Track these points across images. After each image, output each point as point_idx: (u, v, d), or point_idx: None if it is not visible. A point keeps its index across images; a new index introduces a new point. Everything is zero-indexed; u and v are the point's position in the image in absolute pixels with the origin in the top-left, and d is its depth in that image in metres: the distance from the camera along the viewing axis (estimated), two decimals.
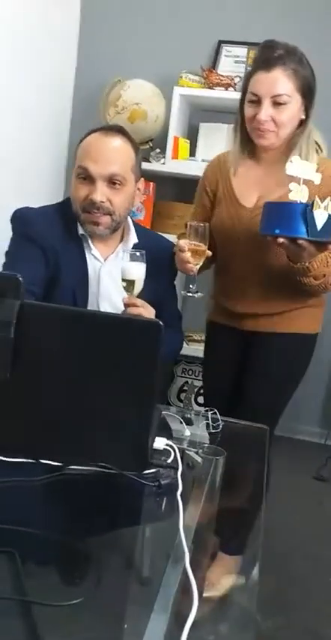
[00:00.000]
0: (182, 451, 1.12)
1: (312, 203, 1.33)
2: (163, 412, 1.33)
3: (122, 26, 2.90)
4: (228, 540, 1.01)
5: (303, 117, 1.53)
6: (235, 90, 2.61)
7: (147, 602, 0.73)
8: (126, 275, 1.36)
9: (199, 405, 2.86)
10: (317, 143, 1.58)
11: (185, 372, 2.93)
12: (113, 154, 1.42)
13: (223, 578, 0.86)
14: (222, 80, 2.65)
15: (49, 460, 0.96)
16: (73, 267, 1.45)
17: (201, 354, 2.00)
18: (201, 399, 2.85)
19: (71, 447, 0.96)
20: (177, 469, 1.03)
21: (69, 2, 2.83)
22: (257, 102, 1.48)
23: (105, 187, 1.41)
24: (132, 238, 1.53)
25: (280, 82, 1.45)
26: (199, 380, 2.85)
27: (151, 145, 2.74)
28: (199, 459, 1.15)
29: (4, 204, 1.53)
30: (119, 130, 1.47)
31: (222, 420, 1.31)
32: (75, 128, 2.91)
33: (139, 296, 1.38)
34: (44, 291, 1.40)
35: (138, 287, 1.37)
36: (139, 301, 1.37)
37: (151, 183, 2.73)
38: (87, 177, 1.42)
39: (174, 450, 1.09)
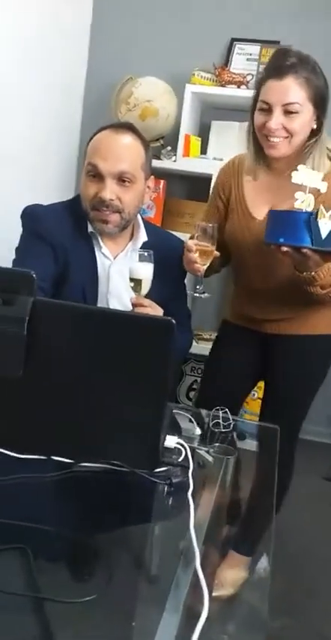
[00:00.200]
0: (192, 450, 1.12)
1: (317, 212, 1.32)
2: (174, 410, 1.33)
3: (134, 23, 2.89)
4: (239, 539, 1.01)
5: (315, 126, 1.50)
6: (247, 88, 2.60)
7: (158, 601, 0.73)
8: (133, 275, 1.37)
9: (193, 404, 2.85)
10: (329, 149, 1.55)
11: (194, 370, 2.92)
12: (123, 152, 1.41)
13: (233, 577, 0.86)
14: (234, 78, 2.63)
15: (60, 457, 0.96)
16: (83, 265, 1.45)
17: None
18: None
19: (82, 444, 0.96)
20: (188, 468, 1.02)
21: (80, 0, 2.83)
22: (268, 110, 1.46)
23: (115, 185, 1.41)
24: (142, 236, 1.53)
25: (292, 90, 1.43)
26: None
27: (162, 142, 2.74)
28: (210, 458, 1.15)
29: (16, 201, 1.53)
30: (129, 128, 1.47)
31: (232, 419, 1.31)
32: (86, 125, 2.91)
33: (147, 296, 1.38)
34: (53, 288, 1.40)
35: (146, 287, 1.37)
36: (147, 301, 1.36)
37: (162, 181, 2.73)
38: (96, 175, 1.41)
39: (185, 449, 1.09)
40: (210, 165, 2.51)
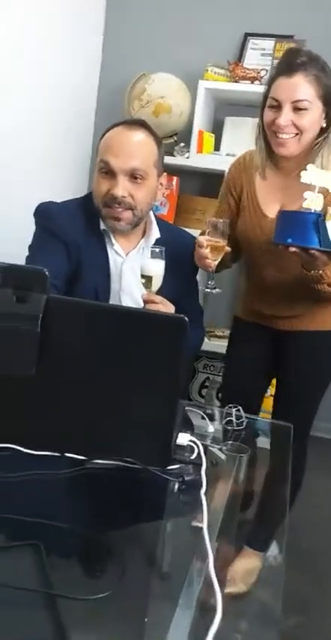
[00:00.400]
0: (205, 447, 1.12)
1: (325, 213, 1.33)
2: (187, 407, 1.33)
3: (147, 20, 2.88)
4: (252, 535, 1.01)
5: (324, 125, 1.51)
6: (261, 83, 2.58)
7: (171, 598, 0.73)
8: (145, 271, 1.37)
9: (219, 400, 2.85)
10: None
11: (206, 367, 2.91)
12: (135, 148, 1.41)
13: (247, 573, 0.86)
14: (248, 73, 2.62)
15: (73, 454, 0.96)
16: (95, 262, 1.45)
17: (222, 350, 2.00)
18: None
19: (95, 441, 0.97)
20: (201, 466, 1.02)
21: None
22: (278, 107, 1.46)
23: (127, 182, 1.41)
24: (155, 233, 1.53)
25: (301, 87, 1.44)
26: (221, 376, 2.84)
27: (176, 139, 2.73)
28: (223, 456, 1.15)
29: (29, 198, 1.53)
30: (142, 124, 1.46)
31: (245, 417, 1.30)
32: (100, 122, 2.91)
33: (159, 292, 1.37)
34: (66, 286, 1.41)
35: (157, 284, 1.36)
36: (158, 298, 1.36)
37: (175, 178, 2.72)
38: (108, 172, 1.41)
39: (198, 447, 1.09)
40: (223, 162, 2.49)
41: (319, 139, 1.52)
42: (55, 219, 1.44)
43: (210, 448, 1.16)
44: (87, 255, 1.44)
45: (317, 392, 1.75)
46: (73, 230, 1.44)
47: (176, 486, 0.97)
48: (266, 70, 2.63)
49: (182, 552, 0.87)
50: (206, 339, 2.58)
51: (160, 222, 1.58)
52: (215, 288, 1.50)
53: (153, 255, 1.36)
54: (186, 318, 0.92)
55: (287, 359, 1.73)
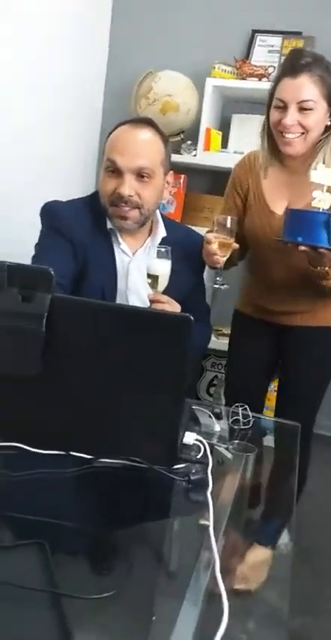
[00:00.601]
0: (211, 446, 1.12)
1: None
2: (193, 406, 1.33)
3: (154, 17, 2.87)
4: (261, 532, 1.00)
5: (329, 123, 1.54)
6: (269, 80, 2.56)
7: (177, 596, 0.73)
8: (151, 271, 1.37)
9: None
10: None
11: (214, 366, 2.91)
12: (141, 147, 1.41)
13: (256, 570, 0.85)
14: (255, 71, 2.60)
15: (79, 453, 0.96)
16: (102, 261, 1.45)
17: None
18: None
19: (101, 441, 0.97)
20: (207, 465, 1.02)
21: None
22: (284, 107, 1.50)
23: (134, 181, 1.40)
24: (161, 232, 1.52)
25: (306, 88, 1.48)
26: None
27: (183, 136, 2.72)
28: (229, 455, 1.14)
29: (36, 197, 1.54)
30: (148, 123, 1.46)
31: (252, 416, 1.30)
32: (106, 121, 2.91)
33: (165, 291, 1.37)
34: (73, 285, 1.41)
35: (163, 283, 1.36)
36: (164, 297, 1.36)
37: (182, 176, 2.71)
38: (115, 171, 1.41)
39: (204, 446, 1.08)
40: (231, 159, 2.46)
41: (323, 137, 1.56)
42: (62, 218, 1.44)
43: (216, 447, 1.15)
44: (94, 254, 1.44)
45: (319, 387, 1.78)
46: (80, 229, 1.44)
47: (182, 485, 0.97)
48: (274, 67, 2.61)
49: (188, 551, 0.87)
50: (214, 338, 2.57)
51: (166, 220, 1.58)
52: (223, 284, 1.52)
53: (160, 254, 1.36)
54: (192, 317, 0.91)
55: (290, 354, 1.77)
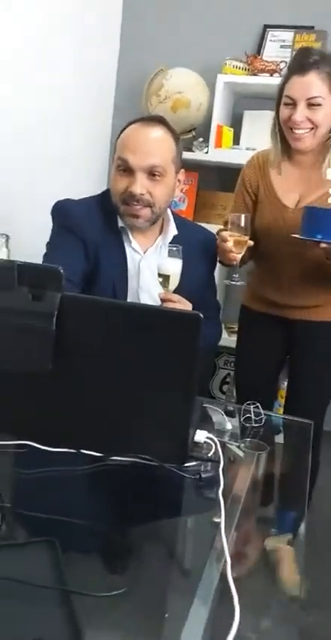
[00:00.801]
0: (223, 444, 1.11)
1: None
2: (205, 404, 1.33)
3: (164, 14, 2.87)
4: (272, 531, 1.00)
5: None
6: (281, 76, 2.54)
7: (187, 594, 0.73)
8: (162, 270, 1.37)
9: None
10: None
11: (227, 363, 2.90)
12: (153, 145, 1.40)
13: (293, 575, 0.84)
14: (267, 66, 2.58)
15: (89, 451, 0.97)
16: (113, 260, 1.45)
17: None
18: None
19: (112, 438, 0.97)
20: (219, 463, 1.02)
21: None
22: (293, 104, 1.56)
23: (145, 179, 1.40)
24: (172, 230, 1.52)
25: (314, 85, 1.53)
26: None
27: (194, 134, 2.71)
28: (241, 453, 1.14)
29: (48, 195, 1.54)
30: (159, 121, 1.45)
31: (264, 414, 1.29)
32: (118, 118, 2.91)
33: (176, 290, 1.37)
34: (84, 283, 1.41)
35: (174, 282, 1.36)
36: (175, 296, 1.36)
37: (194, 173, 2.70)
38: (126, 169, 1.41)
39: (216, 444, 1.08)
40: (243, 156, 2.45)
41: None
42: (73, 217, 1.45)
43: (228, 445, 1.15)
44: (105, 252, 1.45)
45: (327, 383, 1.79)
46: (91, 227, 1.44)
47: (193, 484, 0.97)
48: (286, 63, 2.58)
49: (199, 549, 0.87)
50: (226, 335, 2.57)
51: (177, 218, 1.58)
52: (239, 280, 1.57)
53: (171, 254, 1.36)
54: (201, 315, 0.91)
55: (297, 349, 1.79)
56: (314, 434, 1.33)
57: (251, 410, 1.28)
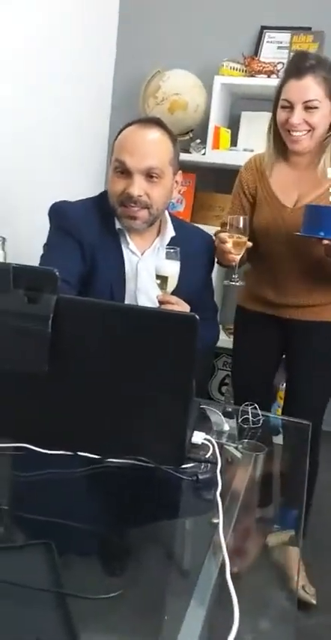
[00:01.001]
0: (221, 446, 1.11)
1: None
2: (203, 406, 1.33)
3: (161, 16, 2.87)
4: (269, 533, 1.00)
5: None
6: (278, 77, 2.54)
7: (184, 596, 0.73)
8: (160, 272, 1.37)
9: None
10: None
11: (226, 365, 2.90)
12: (150, 147, 1.41)
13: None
14: (264, 67, 2.59)
15: (86, 453, 0.97)
16: (110, 261, 1.45)
17: None
18: None
19: (108, 441, 0.97)
20: (216, 464, 1.01)
21: None
22: (290, 107, 1.60)
23: (143, 181, 1.40)
24: (170, 231, 1.52)
25: (311, 88, 1.57)
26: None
27: (191, 135, 2.72)
28: (239, 455, 1.14)
29: (45, 197, 1.54)
30: (156, 122, 1.46)
31: (262, 415, 1.29)
32: (115, 121, 2.91)
33: (174, 292, 1.37)
34: (81, 285, 1.41)
35: (172, 284, 1.36)
36: (174, 298, 1.36)
37: (191, 175, 2.71)
38: (124, 171, 1.41)
39: (213, 445, 1.08)
40: (240, 157, 2.46)
41: (329, 134, 1.65)
42: (70, 218, 1.45)
43: (225, 446, 1.15)
44: (103, 254, 1.45)
45: (323, 383, 1.80)
46: (88, 229, 1.44)
47: (190, 485, 0.96)
48: (283, 64, 2.59)
49: (196, 550, 0.87)
50: (225, 337, 2.56)
51: (174, 220, 1.58)
52: (238, 281, 1.60)
53: (168, 255, 1.36)
54: (197, 316, 0.91)
55: (293, 349, 1.81)
56: (313, 434, 1.34)
57: (249, 411, 1.28)
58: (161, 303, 1.36)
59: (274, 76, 2.56)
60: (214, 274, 1.70)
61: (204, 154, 2.66)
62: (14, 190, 2.18)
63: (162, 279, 1.37)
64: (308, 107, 1.58)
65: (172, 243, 1.48)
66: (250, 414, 1.28)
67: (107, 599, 0.68)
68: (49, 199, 1.50)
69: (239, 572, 0.77)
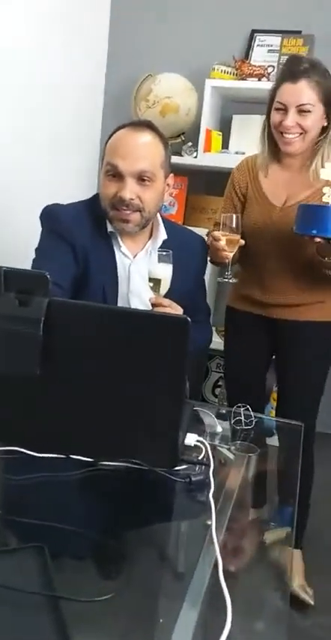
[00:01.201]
0: (214, 447, 1.11)
1: None
2: (197, 408, 1.33)
3: (151, 20, 2.88)
4: (262, 534, 1.00)
5: (326, 124, 1.67)
6: (269, 80, 2.56)
7: (177, 598, 0.73)
8: (152, 275, 1.37)
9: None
10: None
11: (219, 367, 2.90)
12: (142, 150, 1.41)
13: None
14: (254, 70, 2.60)
15: (79, 456, 0.97)
16: (103, 265, 1.45)
17: None
18: None
19: (101, 443, 0.97)
20: (209, 466, 1.02)
21: None
22: (284, 110, 1.63)
23: (135, 184, 1.40)
24: (162, 234, 1.52)
25: (305, 92, 1.60)
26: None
27: (183, 138, 2.72)
28: (231, 456, 1.14)
29: (36, 200, 1.54)
30: (148, 125, 1.46)
31: (254, 417, 1.29)
32: (107, 124, 2.91)
33: (166, 295, 1.37)
34: (73, 288, 1.41)
35: (165, 287, 1.37)
36: (166, 301, 1.36)
37: (183, 178, 2.71)
38: (116, 174, 1.41)
39: (206, 447, 1.08)
40: (232, 160, 2.47)
41: (321, 137, 1.68)
42: (62, 222, 1.44)
43: (218, 448, 1.15)
44: (95, 257, 1.45)
45: (313, 382, 1.81)
46: (80, 232, 1.44)
47: (183, 487, 0.97)
48: (274, 67, 2.61)
49: (189, 552, 0.87)
50: (218, 339, 2.57)
51: (166, 222, 1.58)
52: (231, 278, 1.63)
53: (161, 258, 1.37)
54: (189, 319, 0.91)
55: (282, 350, 1.82)
56: (306, 435, 1.34)
57: (242, 412, 1.28)
58: (154, 305, 1.36)
59: (265, 79, 2.58)
60: (207, 277, 1.70)
61: (195, 156, 2.67)
62: (4, 194, 2.18)
63: (155, 282, 1.37)
64: (301, 110, 1.61)
65: (165, 245, 1.48)
66: (243, 415, 1.28)
67: (100, 602, 0.68)
68: (40, 202, 1.49)
69: (232, 573, 0.77)
